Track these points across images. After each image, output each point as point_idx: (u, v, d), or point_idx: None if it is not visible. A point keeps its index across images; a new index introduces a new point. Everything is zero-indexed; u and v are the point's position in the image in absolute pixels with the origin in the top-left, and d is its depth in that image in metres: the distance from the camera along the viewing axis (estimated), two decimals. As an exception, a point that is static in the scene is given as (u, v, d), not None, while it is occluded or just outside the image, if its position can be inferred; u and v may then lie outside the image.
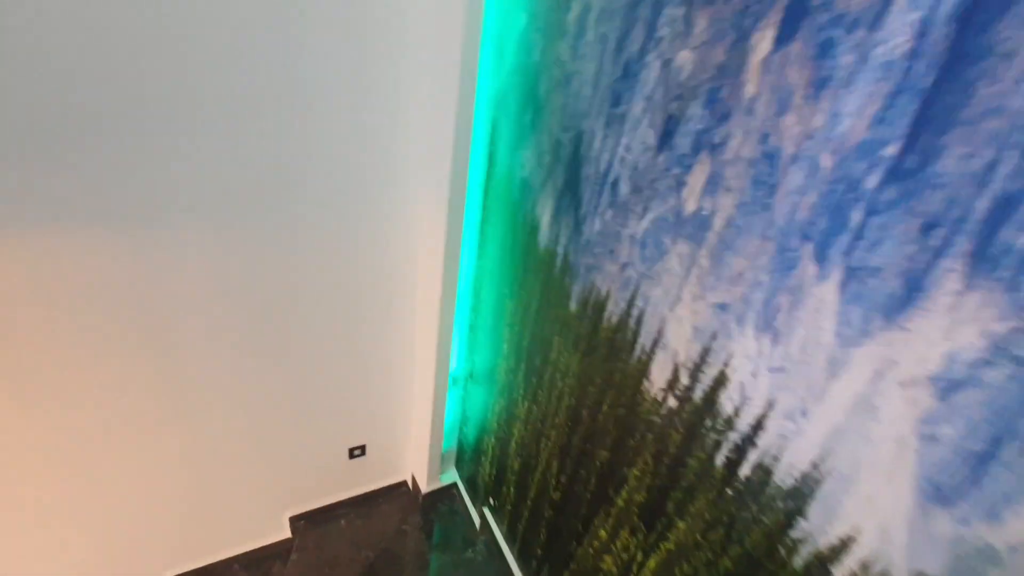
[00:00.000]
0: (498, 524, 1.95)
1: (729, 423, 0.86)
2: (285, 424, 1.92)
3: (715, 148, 0.83)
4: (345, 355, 1.87)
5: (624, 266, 1.04)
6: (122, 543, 1.92)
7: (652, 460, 1.05)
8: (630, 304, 1.04)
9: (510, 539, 1.87)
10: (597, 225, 1.10)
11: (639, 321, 1.02)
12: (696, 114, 0.85)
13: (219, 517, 2.06)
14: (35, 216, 1.20)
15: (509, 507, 1.82)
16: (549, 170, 1.22)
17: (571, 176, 1.15)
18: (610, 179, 1.04)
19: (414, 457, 2.30)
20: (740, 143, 0.79)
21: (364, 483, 2.32)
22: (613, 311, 1.09)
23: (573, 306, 1.22)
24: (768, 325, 0.78)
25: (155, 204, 1.30)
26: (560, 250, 1.23)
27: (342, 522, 2.27)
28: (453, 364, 1.97)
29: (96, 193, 1.22)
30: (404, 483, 2.38)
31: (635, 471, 1.10)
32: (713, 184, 0.84)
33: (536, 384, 1.46)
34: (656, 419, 1.02)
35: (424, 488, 2.25)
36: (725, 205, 0.82)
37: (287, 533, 2.24)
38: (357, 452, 2.19)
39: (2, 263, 1.22)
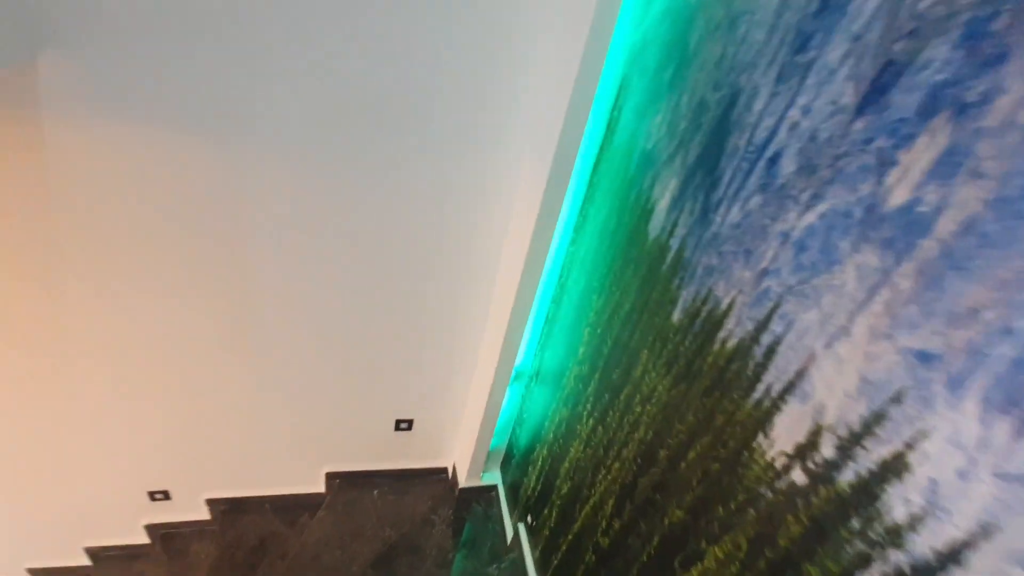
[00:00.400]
0: (531, 547, 1.72)
1: (895, 536, 0.56)
2: (340, 378, 1.84)
3: (965, 109, 0.53)
4: (411, 322, 1.73)
5: (763, 273, 0.76)
6: (169, 456, 1.95)
7: (747, 545, 0.76)
8: (761, 326, 0.75)
9: (540, 568, 1.63)
10: (734, 214, 0.82)
11: (770, 352, 0.73)
12: (939, 58, 0.55)
13: (263, 454, 2.04)
14: (138, 110, 1.17)
15: (547, 532, 1.58)
16: (682, 140, 0.96)
17: (711, 148, 0.88)
18: (768, 153, 0.76)
19: (459, 447, 2.13)
20: (1017, 102, 0.49)
21: (404, 459, 2.19)
22: (732, 332, 0.81)
23: (676, 316, 0.95)
24: (1013, 402, 0.47)
25: (256, 117, 1.22)
26: (674, 243, 0.96)
27: (375, 492, 2.17)
28: (520, 357, 1.76)
29: (201, 96, 1.17)
30: (444, 471, 2.23)
31: (718, 550, 0.81)
32: (948, 165, 0.54)
33: (608, 402, 1.20)
34: (767, 492, 0.73)
35: (462, 482, 2.07)
36: (966, 199, 0.52)
37: (321, 488, 2.18)
38: (404, 425, 2.06)
39: (101, 155, 1.21)
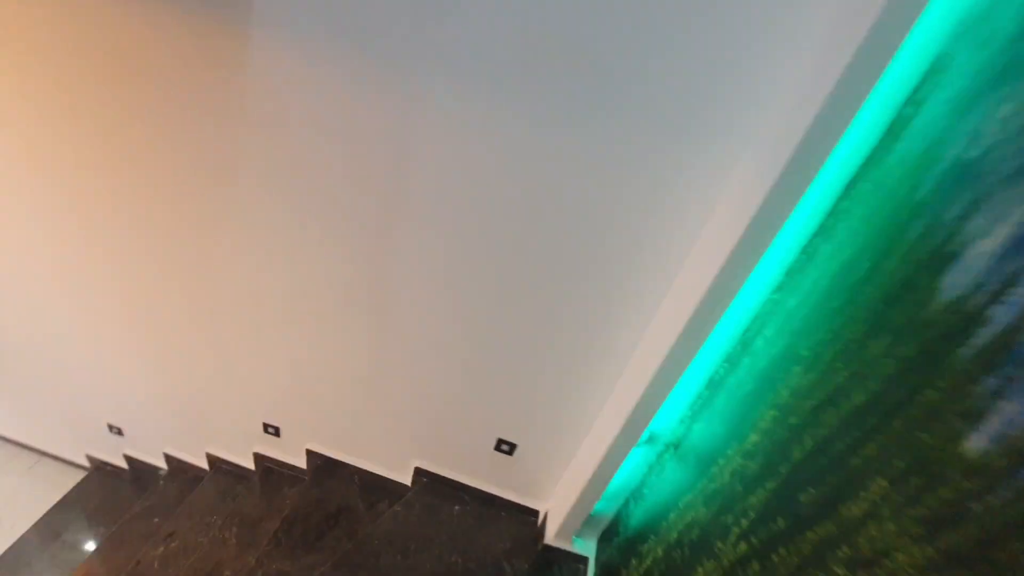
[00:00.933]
0: (609, 662, 1.31)
1: None
2: (458, 374, 1.66)
3: None
4: (546, 336, 1.47)
5: None
6: (290, 397, 2.00)
7: None
8: None
9: None
10: None
11: None
12: None
13: (367, 425, 1.99)
14: (341, 49, 1.12)
15: (634, 658, 1.17)
16: (1066, 139, 0.53)
17: None
18: None
19: (558, 496, 1.80)
20: None
21: (496, 484, 1.94)
22: None
23: (977, 444, 0.52)
24: None
25: (451, 76, 1.09)
26: (1002, 314, 0.54)
27: (456, 507, 1.95)
28: (660, 416, 1.38)
29: (408, 50, 1.09)
30: (534, 515, 1.91)
31: None
32: None
33: (783, 533, 0.78)
34: None
35: (549, 538, 1.73)
36: None
37: (407, 480, 2.05)
38: (505, 448, 1.81)
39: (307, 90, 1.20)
